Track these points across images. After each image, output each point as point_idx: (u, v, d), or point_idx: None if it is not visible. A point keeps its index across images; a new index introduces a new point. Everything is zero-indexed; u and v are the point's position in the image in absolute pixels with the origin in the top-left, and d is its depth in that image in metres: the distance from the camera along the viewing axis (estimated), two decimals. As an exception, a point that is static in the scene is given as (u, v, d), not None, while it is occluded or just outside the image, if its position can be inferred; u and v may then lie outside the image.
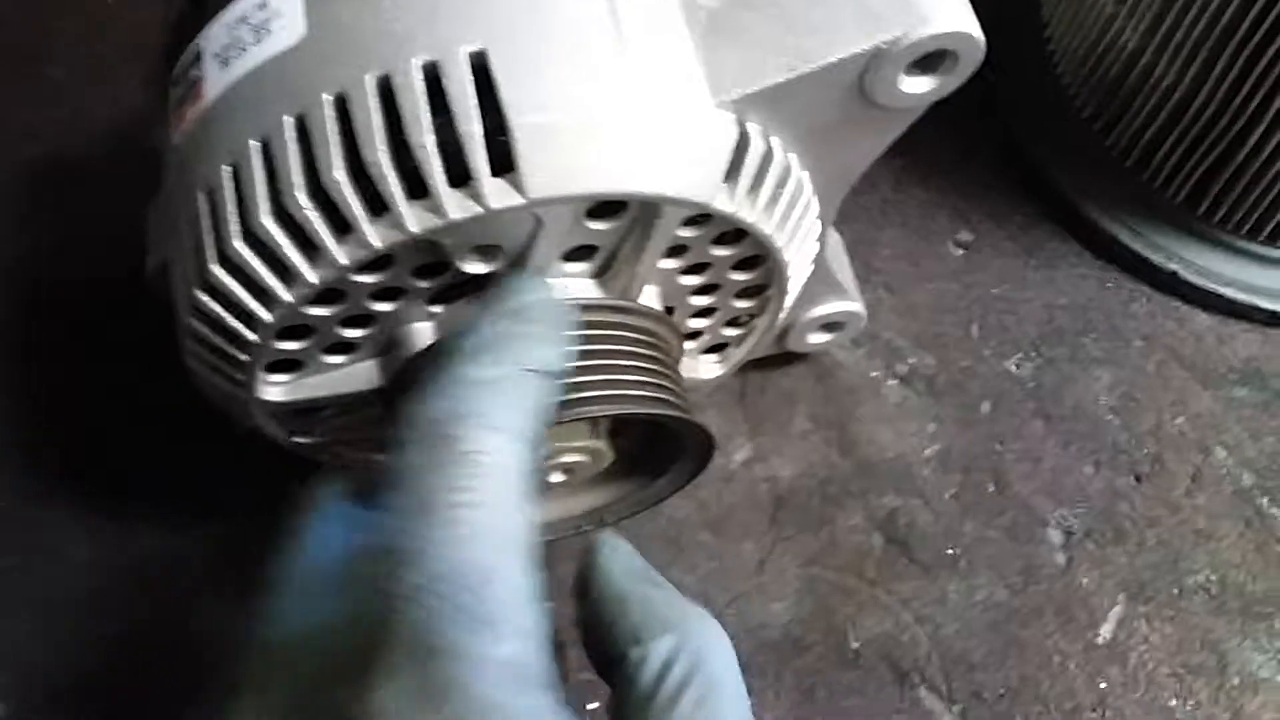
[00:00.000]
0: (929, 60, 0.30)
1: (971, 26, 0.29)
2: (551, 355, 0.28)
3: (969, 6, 0.30)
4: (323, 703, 0.24)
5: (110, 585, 0.42)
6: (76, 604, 0.42)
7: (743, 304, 0.37)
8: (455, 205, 0.28)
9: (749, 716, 0.28)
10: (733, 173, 0.30)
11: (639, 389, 0.32)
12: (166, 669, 0.40)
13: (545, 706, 0.24)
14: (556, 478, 0.35)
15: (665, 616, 0.28)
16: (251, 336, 0.30)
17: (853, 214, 0.49)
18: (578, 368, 0.31)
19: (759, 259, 0.34)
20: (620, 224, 0.31)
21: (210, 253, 0.30)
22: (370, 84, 0.28)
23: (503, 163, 0.28)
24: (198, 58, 0.32)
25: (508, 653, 0.23)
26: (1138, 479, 0.45)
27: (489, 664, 0.23)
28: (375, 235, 0.28)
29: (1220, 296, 0.48)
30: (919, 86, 0.31)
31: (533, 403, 0.27)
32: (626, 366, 0.32)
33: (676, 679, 0.27)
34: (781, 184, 0.32)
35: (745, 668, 0.40)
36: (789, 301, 0.37)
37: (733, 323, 0.38)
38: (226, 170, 0.29)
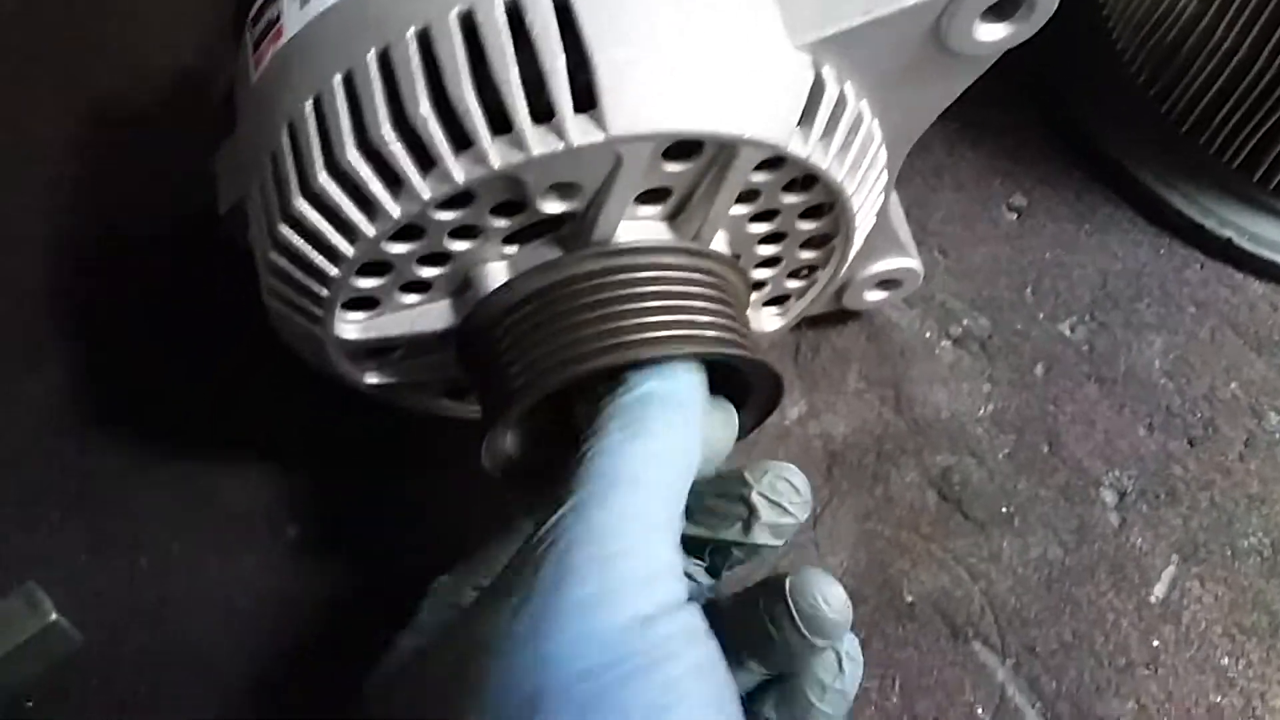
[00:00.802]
0: (1003, 6, 0.31)
1: (1050, -29, 0.30)
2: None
3: (1047, -48, 0.30)
4: None
5: (161, 525, 0.43)
6: (129, 542, 0.43)
7: (807, 254, 0.37)
8: (538, 141, 0.28)
9: None
10: (807, 117, 0.31)
11: (711, 330, 0.32)
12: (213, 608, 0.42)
13: None
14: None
15: None
16: (333, 271, 0.31)
17: (907, 177, 0.49)
18: (651, 308, 0.32)
19: (826, 207, 0.35)
20: (696, 166, 0.31)
21: (294, 187, 0.30)
22: (454, 18, 0.29)
23: (585, 99, 0.28)
24: (276, -2, 0.33)
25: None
26: (1191, 443, 0.45)
27: None
28: (459, 170, 0.29)
29: (1275, 264, 0.48)
30: (993, 34, 0.31)
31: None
32: (698, 308, 0.32)
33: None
34: (853, 131, 0.32)
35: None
36: (853, 253, 0.38)
37: (795, 274, 0.38)
38: (309, 106, 0.30)
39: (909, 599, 0.41)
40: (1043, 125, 0.52)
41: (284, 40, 0.31)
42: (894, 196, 0.43)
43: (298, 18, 0.31)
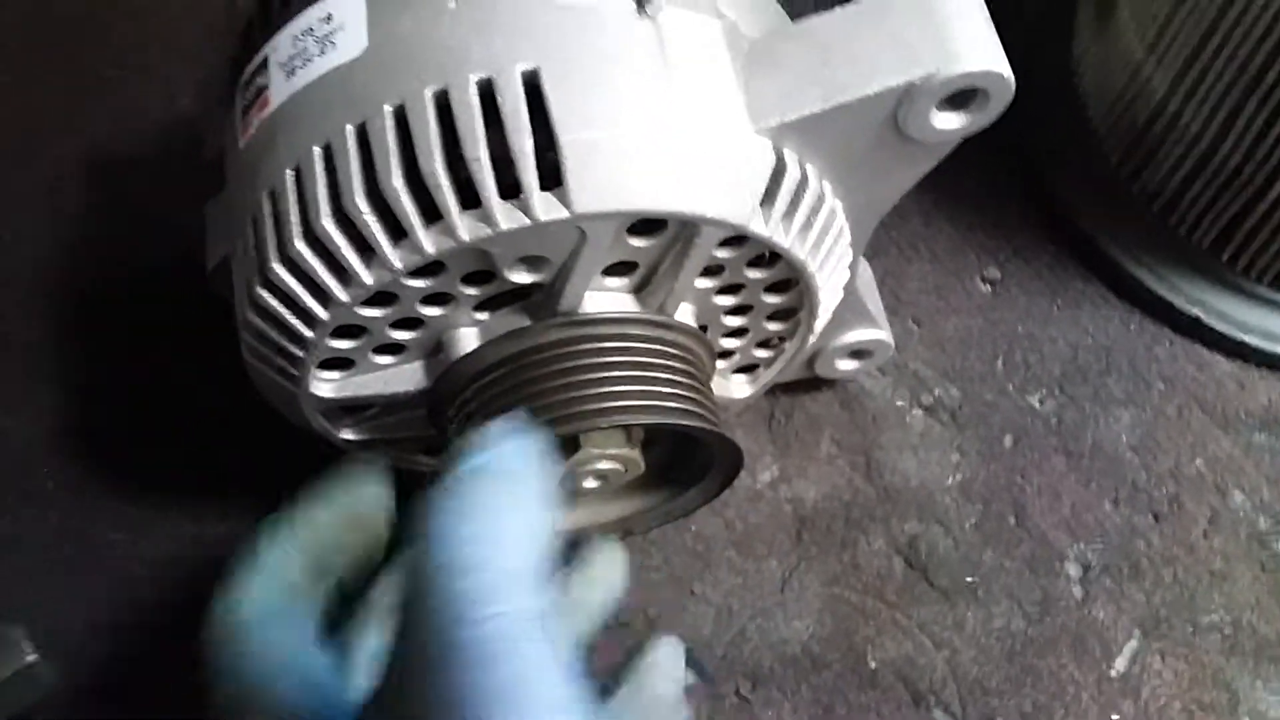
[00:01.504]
0: (961, 97, 0.32)
1: (1002, 67, 0.31)
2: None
3: (1000, 48, 0.31)
4: None
5: (142, 568, 0.44)
6: (111, 581, 0.44)
7: (774, 326, 0.38)
8: (505, 216, 0.29)
9: None
10: (769, 197, 0.32)
11: (673, 400, 0.33)
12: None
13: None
14: (590, 484, 0.36)
15: None
16: (308, 333, 0.32)
17: (883, 247, 0.51)
18: (615, 377, 0.33)
19: (791, 282, 0.36)
20: (660, 242, 0.32)
21: (272, 252, 0.31)
22: (428, 97, 0.30)
23: (551, 177, 0.29)
24: (264, 66, 0.34)
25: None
26: (1156, 518, 0.45)
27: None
28: (429, 241, 0.30)
29: (1242, 343, 0.49)
30: (950, 122, 0.32)
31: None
32: (662, 379, 0.33)
33: None
34: (815, 210, 0.33)
35: (766, 680, 0.42)
36: (819, 326, 0.39)
37: (764, 344, 0.39)
38: (289, 174, 0.31)
39: (872, 665, 0.42)
40: (1019, 199, 0.53)
41: (270, 109, 0.33)
42: (865, 269, 0.45)
43: (284, 88, 0.33)
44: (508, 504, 0.25)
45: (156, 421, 0.47)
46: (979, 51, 0.31)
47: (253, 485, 0.45)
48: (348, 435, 0.38)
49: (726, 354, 0.39)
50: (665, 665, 0.33)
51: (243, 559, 0.31)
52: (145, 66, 0.56)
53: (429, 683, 0.24)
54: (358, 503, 0.32)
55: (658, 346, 0.34)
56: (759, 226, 0.32)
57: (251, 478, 0.45)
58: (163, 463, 0.46)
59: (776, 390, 0.47)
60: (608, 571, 0.34)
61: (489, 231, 0.29)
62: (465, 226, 0.29)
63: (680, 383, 0.34)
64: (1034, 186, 0.53)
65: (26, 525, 0.45)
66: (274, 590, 0.31)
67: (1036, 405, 0.48)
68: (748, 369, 0.41)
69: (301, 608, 0.31)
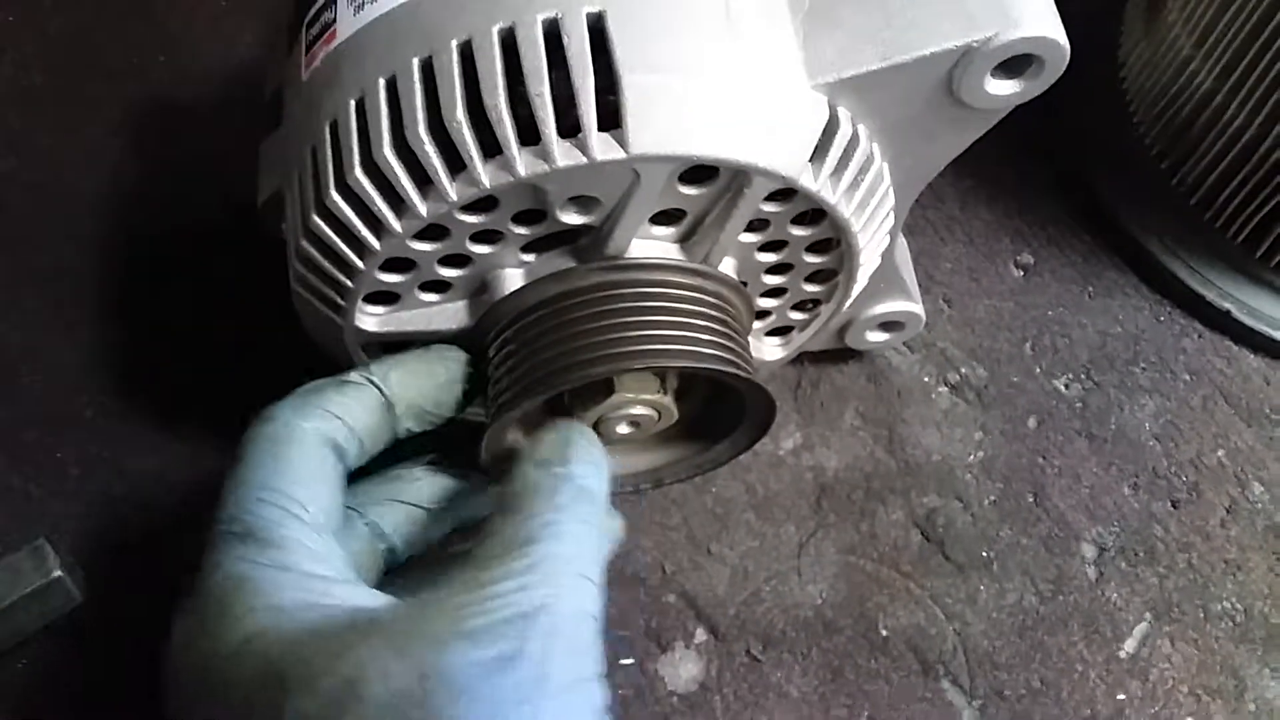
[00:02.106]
0: (1015, 63, 0.32)
1: (1058, 34, 0.31)
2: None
3: (1057, 16, 0.32)
4: None
5: (170, 496, 0.45)
6: (139, 505, 0.45)
7: (812, 288, 0.39)
8: (563, 154, 0.30)
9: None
10: (820, 153, 0.32)
11: (709, 348, 0.33)
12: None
13: None
14: (623, 430, 0.36)
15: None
16: (359, 263, 0.32)
17: (919, 227, 0.51)
18: (654, 321, 0.33)
19: (833, 243, 0.36)
20: (710, 191, 0.33)
21: (330, 180, 0.32)
22: (495, 33, 0.30)
23: (610, 119, 0.30)
24: (332, 1, 0.34)
25: None
26: (1174, 505, 0.46)
27: None
28: (486, 175, 0.30)
29: (1271, 339, 0.49)
30: (1003, 89, 0.33)
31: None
32: (700, 326, 0.34)
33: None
34: (864, 170, 0.34)
35: (777, 642, 0.42)
36: (856, 290, 0.39)
37: (799, 306, 0.40)
38: (352, 105, 0.32)
39: (884, 633, 0.43)
40: (1056, 188, 0.54)
41: (336, 42, 0.33)
42: (902, 242, 0.45)
43: (351, 22, 0.33)
44: (587, 521, 0.31)
45: (195, 357, 0.47)
46: (1037, 18, 0.31)
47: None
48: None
49: (763, 314, 0.40)
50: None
51: (320, 386, 0.34)
52: (208, 16, 0.56)
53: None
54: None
55: (699, 295, 0.34)
56: (808, 181, 0.32)
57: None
58: (196, 397, 0.47)
59: (804, 360, 0.48)
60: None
61: (546, 168, 0.30)
62: (523, 162, 0.30)
63: (718, 331, 0.34)
64: (1071, 177, 0.54)
65: (65, 448, 0.46)
66: (333, 421, 0.33)
67: (1062, 389, 0.48)
68: (781, 331, 0.41)
69: (351, 448, 0.34)
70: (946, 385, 0.48)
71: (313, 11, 0.35)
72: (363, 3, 0.33)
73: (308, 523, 0.31)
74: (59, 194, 0.52)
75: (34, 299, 0.49)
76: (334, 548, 0.31)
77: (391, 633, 0.28)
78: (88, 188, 0.52)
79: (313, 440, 0.32)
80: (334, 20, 0.34)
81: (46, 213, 0.51)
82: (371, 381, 0.34)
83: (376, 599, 0.30)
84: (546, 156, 0.30)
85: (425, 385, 0.35)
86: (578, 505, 0.31)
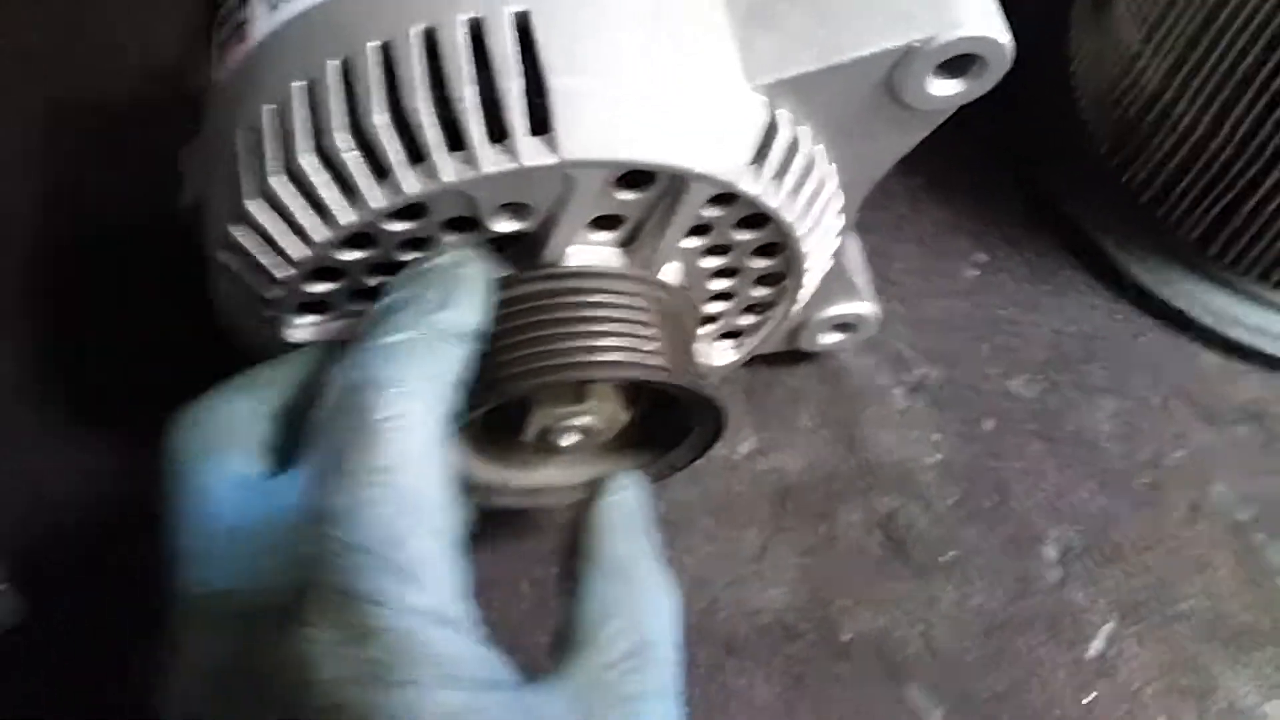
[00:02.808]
0: (957, 63, 0.31)
1: (1000, 33, 0.31)
2: (464, 319, 0.30)
3: (1000, 15, 0.31)
4: (256, 646, 0.26)
5: (119, 503, 0.43)
6: (86, 514, 0.44)
7: (759, 292, 0.38)
8: (490, 159, 0.29)
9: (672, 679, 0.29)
10: (760, 155, 0.31)
11: (654, 357, 0.32)
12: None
13: (465, 646, 0.26)
14: (568, 440, 0.35)
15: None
16: (282, 274, 0.31)
17: (871, 226, 0.50)
18: (595, 331, 0.32)
19: (779, 246, 0.35)
20: (648, 196, 0.32)
21: (249, 187, 0.31)
22: (416, 35, 0.29)
23: (539, 122, 0.29)
24: (246, 0, 0.33)
25: (429, 602, 0.26)
26: (1135, 505, 0.45)
27: (410, 611, 0.25)
28: (411, 182, 0.29)
29: (1227, 336, 0.49)
30: (946, 89, 0.32)
31: (445, 367, 0.29)
32: (643, 335, 0.33)
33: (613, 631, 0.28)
34: (806, 172, 0.33)
35: (740, 649, 0.41)
36: (805, 293, 0.38)
37: (749, 310, 0.39)
38: (270, 109, 0.31)
39: (846, 637, 0.42)
40: (1009, 187, 0.53)
41: (251, 43, 0.32)
42: (854, 242, 0.44)
43: (267, 22, 0.32)
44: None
45: (135, 362, 0.46)
46: (978, 17, 0.31)
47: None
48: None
49: (711, 319, 0.39)
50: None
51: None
52: (128, 11, 0.55)
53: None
54: None
55: (641, 302, 0.33)
56: (749, 185, 0.31)
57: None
58: (143, 402, 0.45)
59: (756, 363, 0.47)
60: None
61: (473, 174, 0.29)
62: (449, 168, 0.29)
63: (663, 338, 0.33)
64: (1025, 175, 0.53)
65: (6, 459, 0.44)
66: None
67: (1019, 390, 0.48)
68: (732, 335, 0.40)
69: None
70: (903, 386, 0.47)
71: (226, 9, 0.34)
72: (277, 2, 0.32)
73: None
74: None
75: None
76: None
77: None
78: (8, 189, 0.50)
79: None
80: (247, 19, 0.32)
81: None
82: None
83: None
84: (473, 162, 0.29)
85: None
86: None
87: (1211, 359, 0.49)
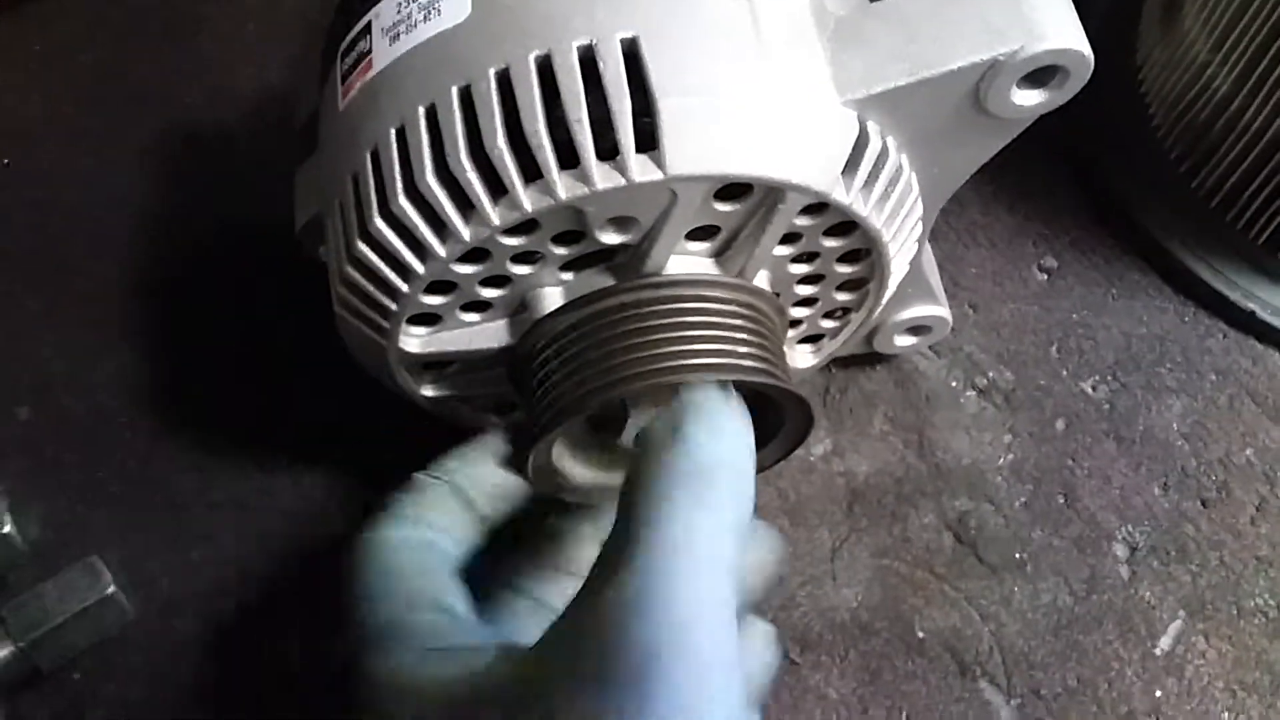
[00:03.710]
0: (1040, 74, 0.33)
1: (1083, 45, 0.32)
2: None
3: (1080, 27, 0.32)
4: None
5: (212, 513, 0.46)
6: (182, 523, 0.46)
7: (843, 296, 0.39)
8: (601, 176, 0.31)
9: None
10: (851, 167, 0.33)
11: (749, 359, 0.34)
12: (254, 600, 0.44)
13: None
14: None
15: None
16: (403, 287, 0.33)
17: (942, 233, 0.52)
18: (694, 335, 0.34)
19: (864, 253, 0.37)
20: (744, 207, 0.33)
21: (374, 208, 0.33)
22: (531, 61, 0.31)
23: (646, 140, 0.31)
24: (366, 31, 0.35)
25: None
26: (1204, 504, 0.46)
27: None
28: (527, 199, 0.31)
29: (1294, 337, 0.50)
30: (1029, 99, 0.33)
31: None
32: (737, 339, 0.34)
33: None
34: (893, 182, 0.35)
35: (815, 645, 0.43)
36: (886, 298, 0.40)
37: (831, 314, 0.41)
38: (393, 133, 0.33)
39: (920, 635, 0.43)
40: (1077, 192, 0.54)
41: (372, 73, 0.34)
42: (928, 248, 0.46)
43: (387, 53, 0.34)
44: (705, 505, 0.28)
45: (233, 376, 0.48)
46: (1061, 30, 0.32)
47: (321, 439, 0.47)
48: (427, 391, 0.39)
49: (794, 323, 0.41)
50: (759, 648, 0.34)
51: (398, 497, 0.36)
52: (238, 41, 0.57)
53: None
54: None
55: (736, 308, 0.35)
56: (840, 195, 0.33)
57: (320, 432, 0.47)
58: (236, 414, 0.48)
59: (832, 367, 0.48)
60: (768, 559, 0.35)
61: (586, 190, 0.31)
62: (563, 185, 0.31)
63: (755, 343, 0.35)
64: (1094, 180, 0.54)
65: (105, 469, 0.47)
66: (423, 525, 0.35)
67: (1089, 391, 0.49)
68: (813, 339, 0.42)
69: (447, 544, 0.35)
70: (974, 389, 0.49)
71: (347, 41, 0.36)
72: (398, 33, 0.34)
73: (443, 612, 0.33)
74: (96, 220, 0.53)
75: (73, 323, 0.50)
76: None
77: (510, 691, 0.28)
78: (124, 214, 0.53)
79: (404, 547, 0.34)
80: (369, 50, 0.35)
81: (84, 239, 0.52)
82: (437, 478, 0.36)
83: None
84: (586, 179, 0.31)
85: (487, 469, 0.36)
86: (690, 486, 0.28)
87: (1279, 359, 0.50)
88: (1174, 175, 0.53)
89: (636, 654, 0.25)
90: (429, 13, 0.34)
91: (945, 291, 0.46)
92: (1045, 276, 0.52)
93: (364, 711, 0.31)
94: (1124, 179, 0.54)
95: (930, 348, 0.49)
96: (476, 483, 0.37)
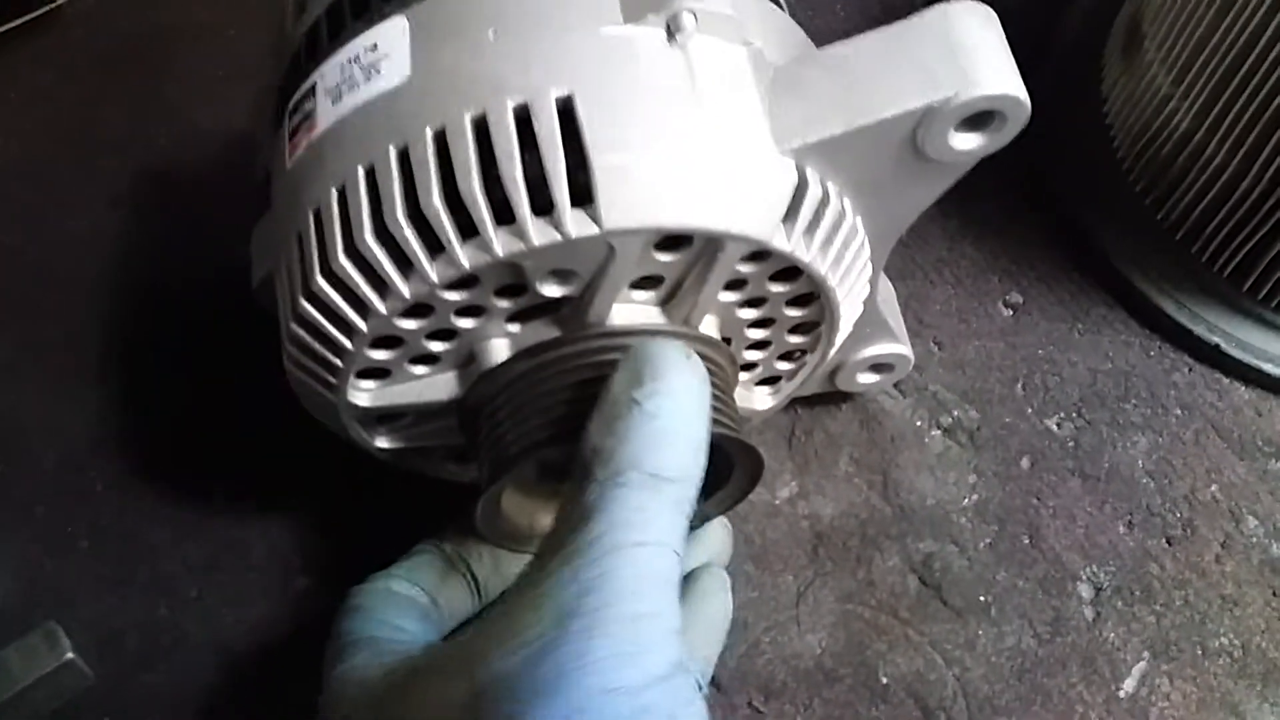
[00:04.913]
0: (978, 119, 0.33)
1: (1018, 90, 0.32)
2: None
3: (1016, 71, 0.33)
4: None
5: (182, 570, 0.46)
6: (152, 580, 0.46)
7: (795, 339, 0.39)
8: (537, 232, 0.31)
9: None
10: (791, 214, 0.33)
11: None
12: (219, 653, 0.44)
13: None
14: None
15: None
16: (347, 344, 0.33)
17: (908, 270, 0.52)
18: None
19: (812, 296, 0.37)
20: (685, 257, 0.34)
21: (316, 266, 0.33)
22: (467, 121, 0.31)
23: (582, 196, 0.31)
24: (312, 92, 0.36)
25: None
26: (1169, 542, 0.46)
27: None
28: (465, 256, 0.31)
29: (1261, 371, 0.50)
30: (967, 143, 0.34)
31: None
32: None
33: None
34: (836, 227, 0.35)
35: (779, 694, 0.43)
36: (839, 339, 0.40)
37: (786, 356, 0.41)
38: (334, 193, 0.33)
39: (884, 680, 0.43)
40: (1043, 227, 0.54)
41: (316, 132, 0.34)
42: (887, 286, 0.46)
43: (330, 113, 0.34)
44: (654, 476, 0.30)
45: (203, 428, 0.48)
46: (996, 76, 0.32)
47: (293, 494, 0.47)
48: (382, 443, 0.39)
49: (750, 366, 0.41)
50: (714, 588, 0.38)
51: (397, 563, 0.39)
52: (206, 85, 0.58)
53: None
54: None
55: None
56: (780, 242, 0.33)
57: (292, 487, 0.47)
58: (207, 468, 0.48)
59: (797, 407, 0.48)
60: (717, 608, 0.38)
61: (522, 246, 0.31)
62: (500, 242, 0.31)
63: (702, 393, 0.35)
64: (1059, 214, 0.54)
65: (75, 522, 0.47)
66: (415, 585, 0.38)
67: (1054, 428, 0.49)
68: (770, 381, 0.42)
69: (435, 604, 0.38)
70: (939, 428, 0.49)
71: (295, 100, 0.36)
72: (341, 94, 0.34)
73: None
74: (66, 266, 0.53)
75: (42, 372, 0.50)
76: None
77: (442, 660, 0.30)
78: (94, 259, 0.53)
79: (387, 594, 0.37)
80: (314, 110, 0.35)
81: (54, 285, 0.53)
82: (435, 546, 0.39)
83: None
84: (522, 236, 0.31)
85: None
86: (642, 464, 0.29)
87: (1246, 394, 0.50)
88: (1139, 208, 0.53)
89: (576, 623, 0.27)
90: (370, 73, 0.34)
91: (910, 328, 0.46)
92: (1011, 312, 0.52)
93: (321, 712, 0.33)
94: (1089, 212, 0.54)
95: (895, 386, 0.49)
96: (471, 549, 0.39)
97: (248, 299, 0.41)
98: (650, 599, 0.28)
